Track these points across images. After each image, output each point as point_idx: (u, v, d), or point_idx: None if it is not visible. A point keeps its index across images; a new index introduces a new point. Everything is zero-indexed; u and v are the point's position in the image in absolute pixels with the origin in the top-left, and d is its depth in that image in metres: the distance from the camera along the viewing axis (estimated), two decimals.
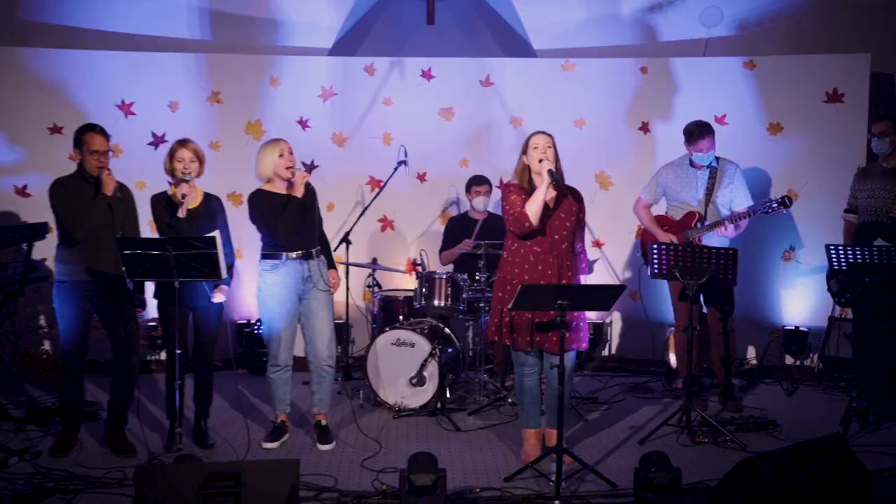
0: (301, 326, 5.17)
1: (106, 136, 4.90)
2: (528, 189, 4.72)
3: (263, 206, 5.01)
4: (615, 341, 7.48)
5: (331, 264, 5.25)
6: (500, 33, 7.78)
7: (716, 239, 5.78)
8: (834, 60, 7.07)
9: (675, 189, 6.00)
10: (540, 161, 4.64)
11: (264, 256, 5.08)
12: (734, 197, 5.90)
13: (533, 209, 4.59)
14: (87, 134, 4.84)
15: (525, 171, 4.77)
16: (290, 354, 5.15)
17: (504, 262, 4.81)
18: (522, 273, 4.69)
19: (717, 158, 5.93)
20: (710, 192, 5.88)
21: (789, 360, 7.03)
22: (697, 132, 5.83)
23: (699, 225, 5.84)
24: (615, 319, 7.47)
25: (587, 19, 7.57)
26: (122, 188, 4.98)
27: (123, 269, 4.71)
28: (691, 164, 5.94)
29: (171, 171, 5.00)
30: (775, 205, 5.59)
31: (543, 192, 4.60)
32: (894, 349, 5.59)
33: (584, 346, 4.82)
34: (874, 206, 5.76)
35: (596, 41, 7.59)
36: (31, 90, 6.99)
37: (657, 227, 5.99)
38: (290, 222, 4.94)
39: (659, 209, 6.21)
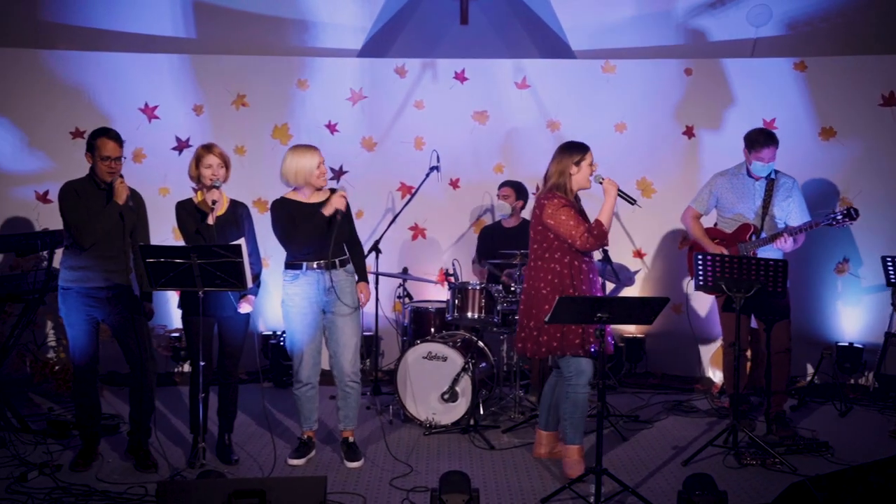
0: (325, 340, 5.20)
1: (119, 141, 4.92)
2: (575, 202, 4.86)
3: (283, 216, 5.05)
4: (657, 357, 7.41)
5: (361, 276, 5.26)
6: (536, 33, 7.77)
7: (770, 252, 5.65)
8: (890, 61, 7.01)
9: (731, 200, 5.87)
10: (602, 181, 4.82)
11: (286, 266, 5.12)
12: (791, 212, 5.76)
13: (608, 226, 4.79)
14: (100, 139, 4.87)
15: (568, 182, 4.87)
16: (313, 371, 5.16)
17: (559, 274, 4.83)
18: (580, 284, 4.80)
19: (775, 171, 5.80)
20: (766, 205, 5.77)
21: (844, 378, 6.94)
22: (762, 140, 5.67)
23: (754, 238, 5.74)
24: (657, 334, 7.42)
25: (628, 18, 7.54)
26: (133, 195, 5.02)
27: (132, 276, 4.87)
28: (748, 173, 5.84)
29: (196, 178, 5.04)
30: (840, 216, 5.45)
31: (613, 208, 4.77)
32: None
33: (610, 350, 4.89)
34: None
35: (637, 41, 7.56)
36: (53, 93, 7.11)
37: (708, 240, 5.87)
38: (309, 232, 4.98)
39: (707, 221, 6.13)
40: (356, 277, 5.21)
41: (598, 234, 4.75)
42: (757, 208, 5.79)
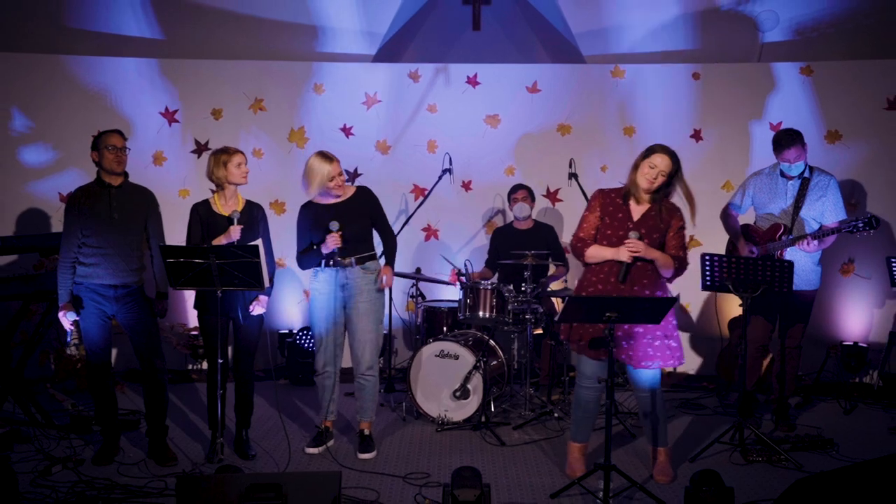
0: (347, 334, 5.25)
1: (123, 136, 5.03)
2: (625, 202, 4.73)
3: (306, 218, 5.18)
4: None
5: (388, 260, 5.31)
6: (547, 39, 7.78)
7: (799, 254, 5.56)
8: (895, 66, 6.97)
9: (763, 199, 5.81)
10: (630, 238, 4.60)
11: None
12: (825, 210, 5.65)
13: (592, 256, 4.71)
14: (105, 134, 4.98)
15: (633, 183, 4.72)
16: (330, 361, 5.21)
17: (586, 268, 4.84)
18: (598, 282, 4.69)
19: (811, 169, 5.72)
20: (798, 204, 5.67)
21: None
22: (785, 140, 5.59)
23: (783, 238, 5.66)
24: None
25: (637, 24, 7.53)
26: (146, 195, 5.10)
27: (146, 275, 4.96)
28: (781, 173, 5.74)
29: (224, 179, 5.04)
30: (861, 224, 5.36)
31: (611, 257, 4.65)
32: None
33: (670, 363, 4.69)
34: None
35: (646, 46, 7.55)
36: (76, 97, 7.16)
37: (741, 238, 5.84)
38: (325, 232, 5.07)
39: (749, 218, 6.05)
40: (376, 275, 5.23)
41: (574, 248, 4.79)
42: (787, 207, 5.69)
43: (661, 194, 4.70)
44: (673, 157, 4.63)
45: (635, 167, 4.70)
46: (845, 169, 6.98)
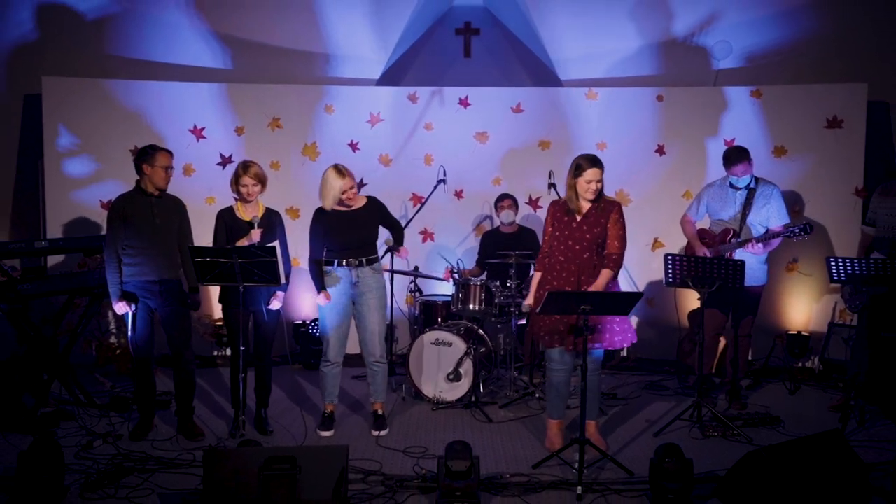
0: (356, 327, 5.22)
1: (171, 154, 5.06)
2: (569, 210, 4.78)
3: (320, 222, 5.10)
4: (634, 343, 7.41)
5: (399, 243, 5.38)
6: (529, 65, 7.78)
7: (746, 254, 5.55)
8: (834, 90, 6.99)
9: (715, 207, 5.83)
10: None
11: (324, 263, 5.13)
12: (770, 216, 5.68)
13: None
14: (160, 152, 4.97)
15: (573, 194, 4.78)
16: (339, 352, 5.18)
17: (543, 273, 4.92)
18: (552, 279, 4.78)
19: (757, 180, 5.74)
20: (744, 212, 5.69)
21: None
22: (733, 157, 5.64)
23: (732, 241, 5.70)
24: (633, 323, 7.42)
25: (608, 53, 7.55)
26: (176, 200, 5.11)
27: (182, 272, 4.99)
28: (731, 185, 5.76)
29: (236, 191, 5.07)
30: (797, 230, 5.41)
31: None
32: (890, 356, 5.49)
33: (614, 345, 4.81)
34: (893, 224, 5.50)
35: (616, 72, 7.56)
36: (115, 116, 7.13)
37: (697, 241, 5.87)
38: (341, 236, 5.04)
39: (705, 224, 6.05)
40: (383, 275, 5.25)
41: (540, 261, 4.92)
42: (735, 214, 5.71)
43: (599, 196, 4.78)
44: (601, 165, 4.70)
45: (570, 186, 4.75)
46: (790, 180, 7.00)
